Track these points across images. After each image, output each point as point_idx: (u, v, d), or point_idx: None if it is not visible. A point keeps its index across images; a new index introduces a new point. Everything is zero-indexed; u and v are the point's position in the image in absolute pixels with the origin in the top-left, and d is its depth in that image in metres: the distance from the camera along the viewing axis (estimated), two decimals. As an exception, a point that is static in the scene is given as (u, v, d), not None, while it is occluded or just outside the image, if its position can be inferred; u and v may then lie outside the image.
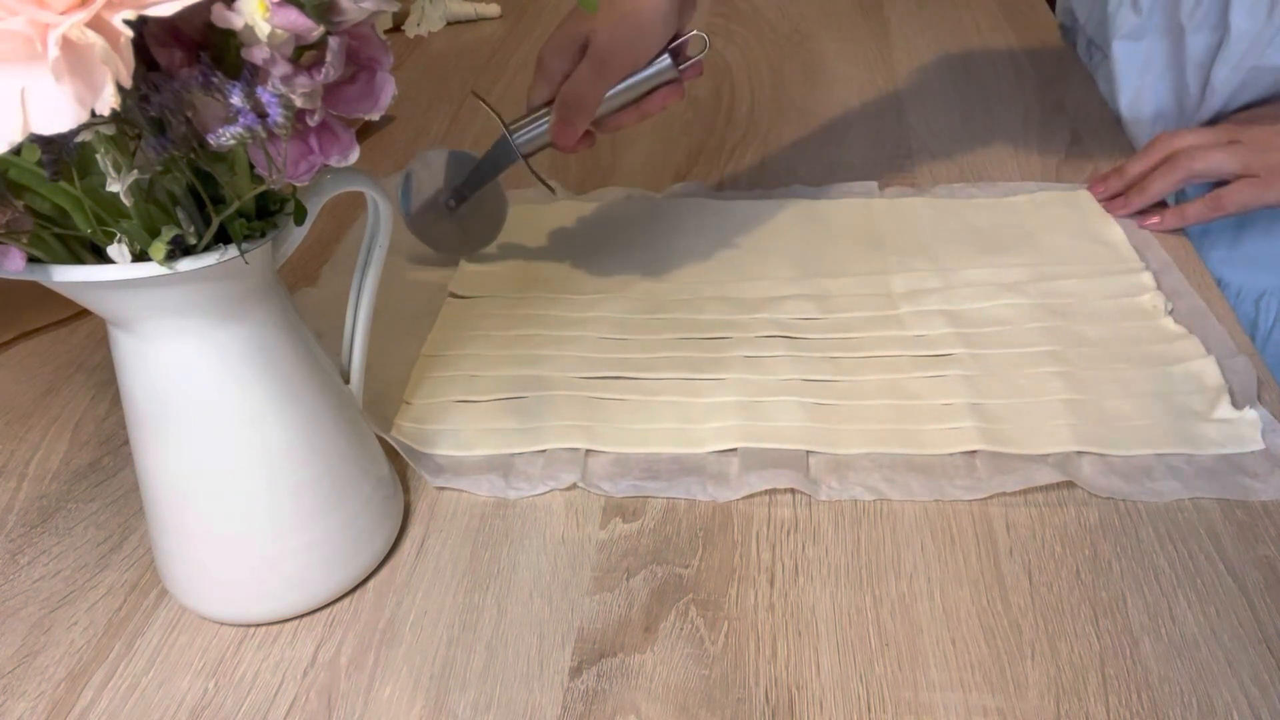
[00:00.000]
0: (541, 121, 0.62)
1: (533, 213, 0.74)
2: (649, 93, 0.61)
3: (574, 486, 0.51)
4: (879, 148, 0.82)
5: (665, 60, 0.60)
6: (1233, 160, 0.63)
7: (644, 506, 0.50)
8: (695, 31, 0.61)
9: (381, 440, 0.51)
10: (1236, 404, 0.52)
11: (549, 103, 0.61)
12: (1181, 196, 0.69)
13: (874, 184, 0.75)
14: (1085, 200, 0.70)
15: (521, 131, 0.63)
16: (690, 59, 0.61)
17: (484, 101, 0.66)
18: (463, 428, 0.54)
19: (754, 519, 0.49)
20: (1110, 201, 0.69)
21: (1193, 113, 0.73)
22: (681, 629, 0.44)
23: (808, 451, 0.52)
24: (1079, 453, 0.50)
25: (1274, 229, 0.71)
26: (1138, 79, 0.76)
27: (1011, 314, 0.60)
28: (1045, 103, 0.86)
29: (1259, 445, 0.50)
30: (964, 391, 0.54)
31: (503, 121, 0.64)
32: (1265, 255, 0.71)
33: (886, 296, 0.62)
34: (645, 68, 0.60)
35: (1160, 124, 0.76)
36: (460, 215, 0.67)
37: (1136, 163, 0.68)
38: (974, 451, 0.51)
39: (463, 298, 0.65)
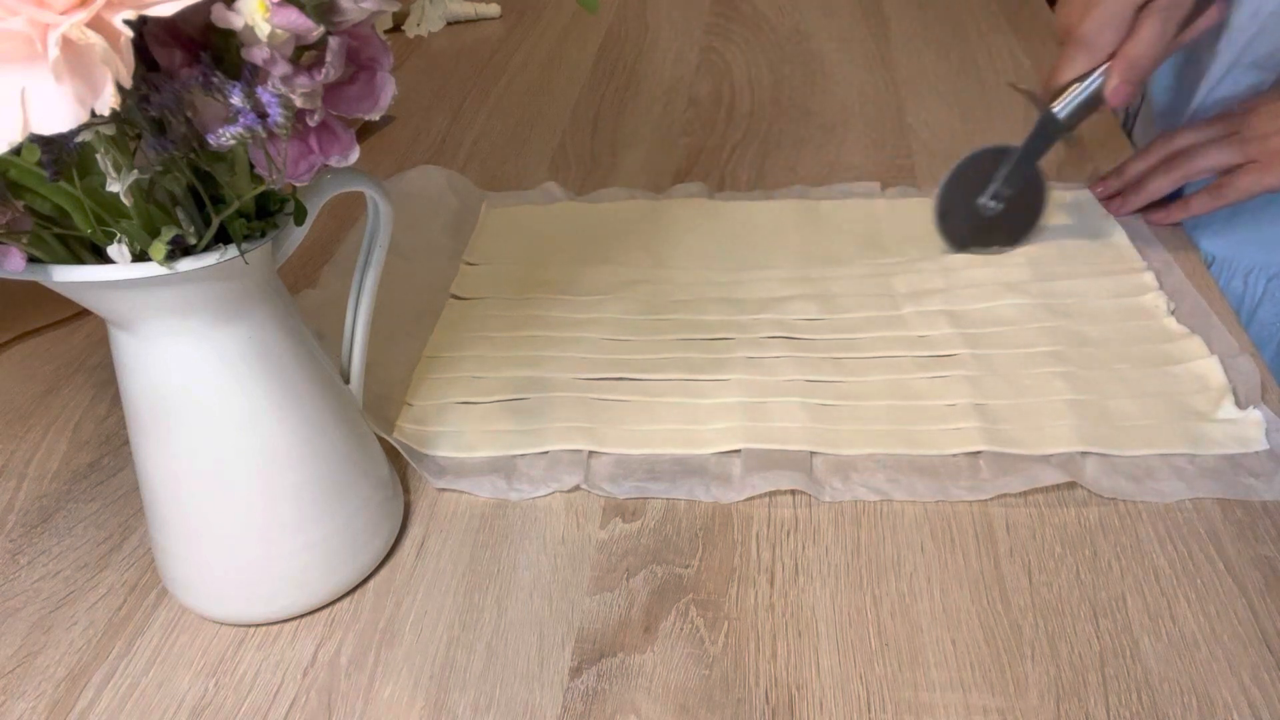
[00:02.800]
0: (1075, 93, 0.61)
1: (533, 213, 0.74)
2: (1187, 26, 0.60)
3: (577, 488, 0.51)
4: (879, 148, 0.82)
5: None
6: (1233, 152, 0.64)
7: (644, 506, 0.50)
8: None
9: (382, 440, 0.51)
10: (1240, 404, 0.52)
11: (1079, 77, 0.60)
12: (1180, 191, 0.69)
13: (875, 184, 0.75)
14: (1087, 200, 0.70)
15: (1060, 106, 0.62)
16: None
17: (1021, 90, 0.64)
18: (464, 429, 0.54)
19: (754, 519, 0.49)
20: (1109, 201, 0.69)
21: (1185, 108, 0.72)
22: (681, 629, 0.44)
23: (811, 452, 0.52)
24: (1082, 453, 0.50)
25: (1266, 206, 0.71)
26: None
27: (1014, 314, 0.60)
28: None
29: (1263, 445, 0.50)
30: (967, 392, 0.54)
31: (1039, 105, 0.62)
32: (1256, 232, 0.72)
33: (889, 297, 0.62)
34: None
35: (1154, 118, 0.76)
36: (1002, 210, 0.65)
37: (1136, 163, 0.68)
38: (978, 452, 0.51)
39: (464, 299, 0.65)
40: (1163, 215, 0.67)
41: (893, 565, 0.46)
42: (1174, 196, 0.68)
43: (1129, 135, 0.82)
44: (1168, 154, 0.66)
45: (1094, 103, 0.61)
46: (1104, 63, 0.60)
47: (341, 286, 0.49)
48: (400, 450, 0.52)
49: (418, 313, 0.63)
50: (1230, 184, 0.64)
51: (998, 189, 0.65)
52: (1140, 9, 0.58)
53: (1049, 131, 0.63)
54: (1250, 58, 0.67)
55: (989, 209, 0.65)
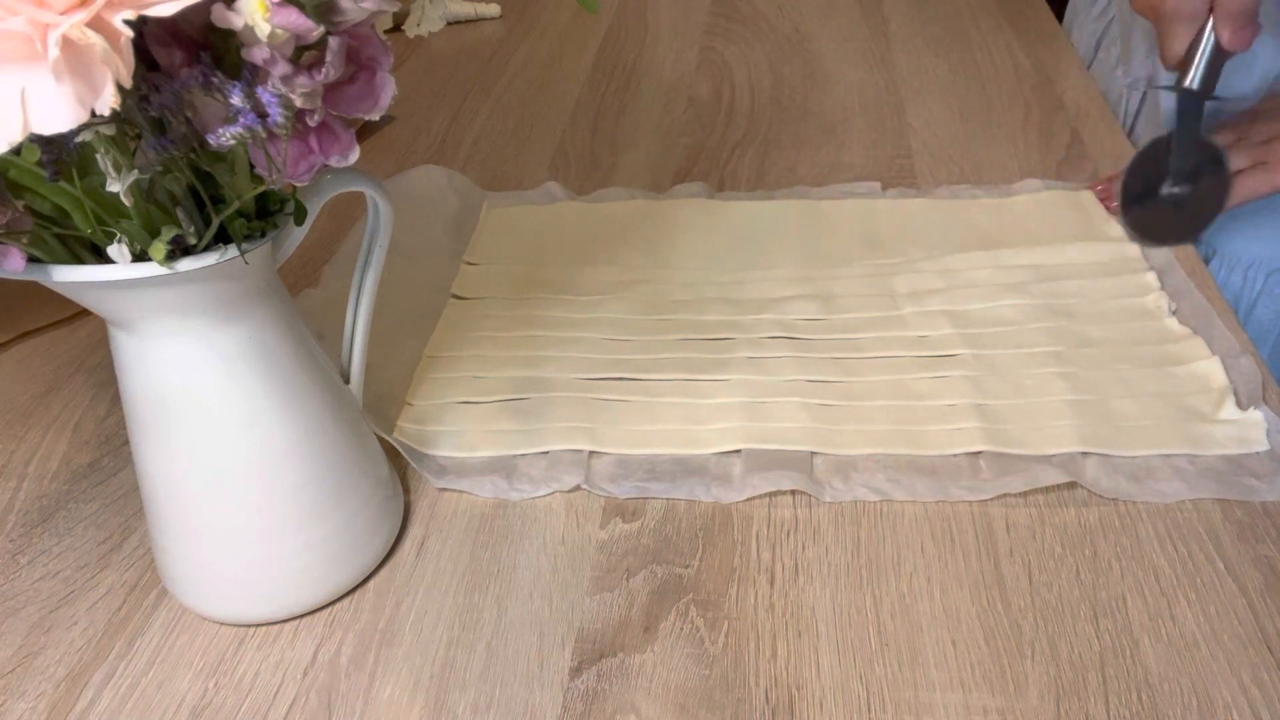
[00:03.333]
0: (1196, 60, 0.60)
1: (534, 213, 0.74)
2: None
3: (577, 488, 0.51)
4: (879, 148, 0.82)
5: None
6: (1238, 156, 0.63)
7: (644, 506, 0.50)
8: None
9: (382, 440, 0.51)
10: (1241, 405, 0.52)
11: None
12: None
13: (876, 184, 0.75)
14: (1088, 200, 0.70)
15: (1190, 77, 0.60)
16: None
17: (1156, 89, 0.63)
18: (465, 429, 0.54)
19: (754, 519, 0.49)
20: (1112, 202, 0.69)
21: None
22: (681, 629, 0.44)
23: (811, 453, 0.52)
24: (1083, 453, 0.50)
25: (1266, 201, 0.71)
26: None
27: (1015, 314, 0.60)
28: (1045, 103, 0.86)
29: (1264, 446, 0.50)
30: (968, 392, 0.54)
31: (1172, 88, 0.61)
32: (1255, 227, 0.71)
33: (889, 297, 0.62)
34: None
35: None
36: (1187, 193, 0.63)
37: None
38: (978, 452, 0.51)
39: (464, 299, 0.65)
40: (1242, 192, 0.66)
41: (893, 565, 0.46)
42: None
43: (1129, 135, 0.82)
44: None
45: (1219, 60, 0.60)
46: (1206, 21, 0.58)
47: (342, 286, 0.49)
48: (400, 450, 0.52)
49: (418, 312, 0.63)
50: (1237, 186, 0.64)
51: (1175, 174, 0.62)
52: None
53: (1192, 105, 0.61)
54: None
55: (1175, 195, 0.63)
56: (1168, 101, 0.76)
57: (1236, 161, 0.64)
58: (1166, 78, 0.61)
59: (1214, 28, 0.58)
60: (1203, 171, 0.62)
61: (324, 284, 0.66)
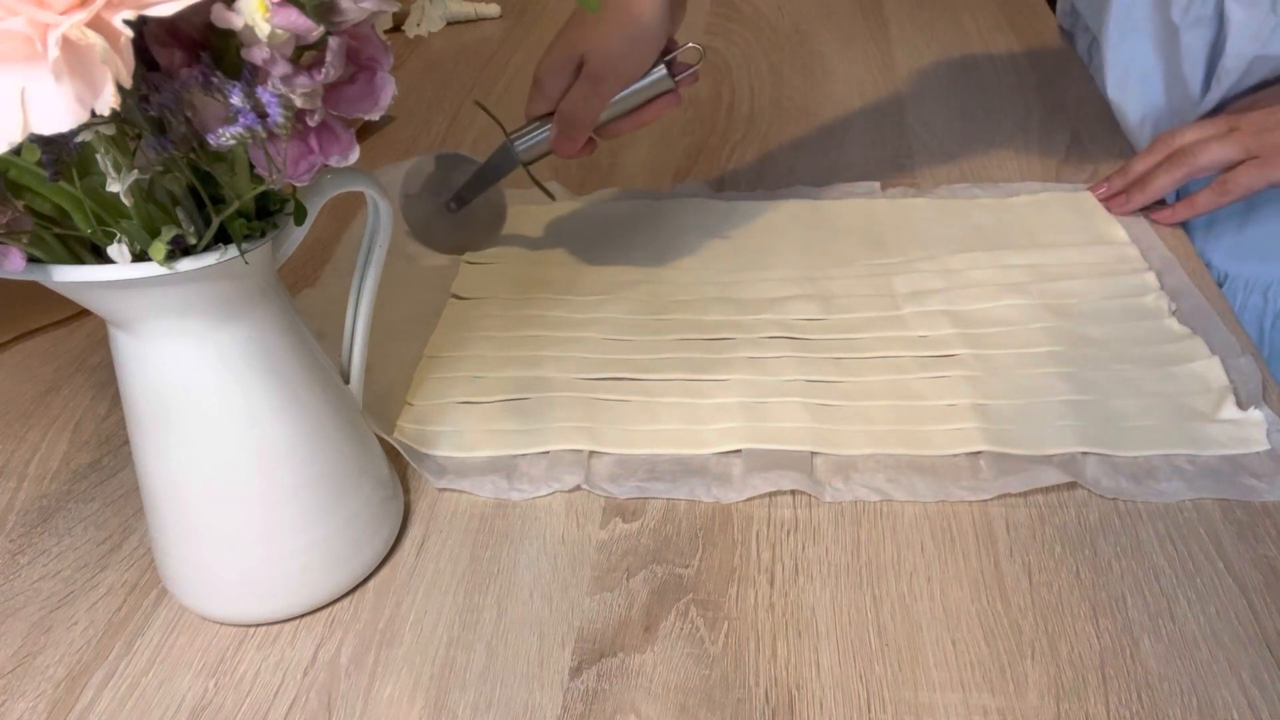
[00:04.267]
0: (542, 130, 0.63)
1: (534, 214, 0.74)
2: (647, 102, 0.62)
3: (578, 488, 0.51)
4: (879, 148, 0.82)
5: (660, 71, 0.61)
6: (1234, 148, 0.64)
7: (644, 506, 0.50)
8: (691, 44, 0.62)
9: (381, 440, 0.51)
10: (1241, 404, 0.52)
11: (549, 113, 0.62)
12: (1184, 190, 0.69)
13: (875, 184, 0.75)
14: (1087, 200, 0.70)
15: (523, 139, 0.64)
16: (687, 68, 0.61)
17: (485, 110, 0.66)
18: (465, 429, 0.54)
19: (754, 519, 0.49)
20: (1112, 199, 0.69)
21: (1193, 107, 0.72)
22: (681, 629, 0.44)
23: (812, 453, 0.52)
24: (1083, 453, 0.50)
25: (1279, 217, 0.71)
26: (1124, 77, 0.76)
27: (1015, 314, 0.60)
28: (1045, 103, 0.86)
29: (1264, 446, 0.50)
30: (968, 392, 0.54)
31: (504, 130, 0.64)
32: (1272, 245, 0.71)
33: (889, 297, 0.62)
34: (641, 78, 0.60)
35: (1150, 121, 0.76)
36: (460, 216, 0.68)
37: (1139, 162, 0.68)
38: (978, 452, 0.51)
39: (464, 299, 0.65)
40: (1167, 214, 0.67)
41: (893, 565, 0.46)
42: (1178, 196, 0.68)
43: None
44: (1169, 152, 0.66)
45: (547, 145, 0.63)
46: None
47: (341, 287, 0.49)
48: (401, 450, 0.52)
49: (418, 313, 0.63)
50: (1233, 180, 0.64)
51: (460, 194, 0.67)
52: (580, 64, 0.59)
53: (508, 159, 0.65)
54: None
55: (449, 210, 0.68)
56: (1145, 99, 0.76)
57: (1229, 152, 0.64)
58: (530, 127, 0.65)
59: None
60: (481, 208, 0.68)
61: (324, 284, 0.66)
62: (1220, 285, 0.71)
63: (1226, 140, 0.64)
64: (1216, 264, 0.72)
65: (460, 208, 0.67)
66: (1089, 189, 0.71)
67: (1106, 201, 0.69)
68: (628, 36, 0.58)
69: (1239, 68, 0.68)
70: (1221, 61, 0.69)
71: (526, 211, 0.74)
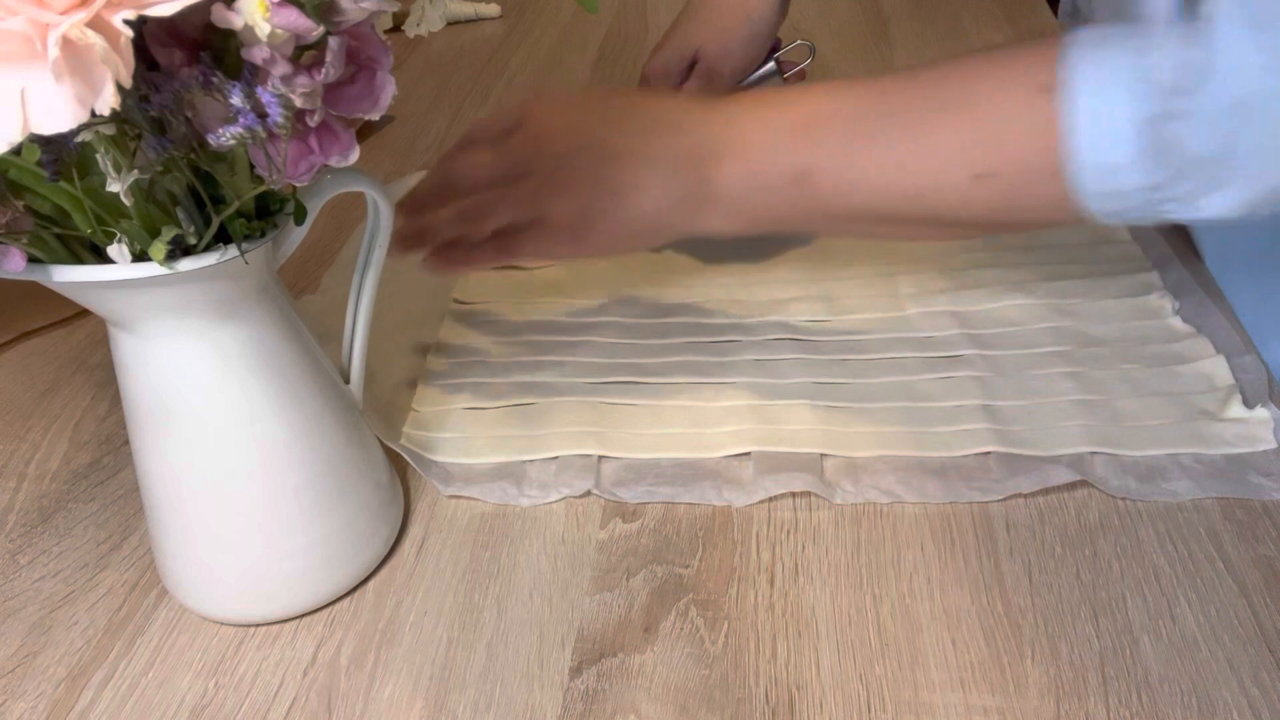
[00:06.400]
0: None
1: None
2: None
3: (588, 494, 0.50)
4: (879, 148, 0.81)
5: (770, 66, 0.60)
6: (517, 210, 0.50)
7: (644, 506, 0.50)
8: (799, 40, 0.62)
9: (383, 442, 0.51)
10: (1247, 403, 0.52)
11: None
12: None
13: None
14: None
15: None
16: (795, 65, 0.61)
17: None
18: (472, 435, 0.54)
19: (754, 519, 0.49)
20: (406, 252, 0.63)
21: None
22: (681, 629, 0.44)
23: (821, 455, 0.51)
24: (1092, 453, 0.50)
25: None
26: None
27: (1019, 314, 0.60)
28: (1045, 103, 0.86)
29: (1271, 444, 0.50)
30: (975, 392, 0.54)
31: None
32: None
33: (893, 297, 0.62)
34: (751, 74, 0.60)
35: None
36: None
37: (429, 211, 0.60)
38: (987, 452, 0.51)
39: (467, 304, 0.65)
40: (442, 261, 0.53)
41: (893, 565, 0.46)
42: None
43: None
44: (457, 206, 0.52)
45: None
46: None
47: (342, 292, 0.49)
48: (407, 458, 0.52)
49: (420, 318, 0.63)
50: (516, 243, 0.50)
51: None
52: (693, 65, 0.59)
53: None
54: None
55: None
56: None
57: (514, 214, 0.50)
58: None
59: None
60: None
61: (324, 289, 0.66)
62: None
63: (512, 198, 0.50)
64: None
65: None
66: None
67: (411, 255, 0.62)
68: (744, 33, 0.58)
69: None
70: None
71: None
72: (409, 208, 0.53)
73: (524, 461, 0.52)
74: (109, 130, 0.31)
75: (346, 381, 0.48)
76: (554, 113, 0.51)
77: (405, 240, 0.53)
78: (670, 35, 0.61)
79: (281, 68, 0.31)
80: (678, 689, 0.41)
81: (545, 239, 0.49)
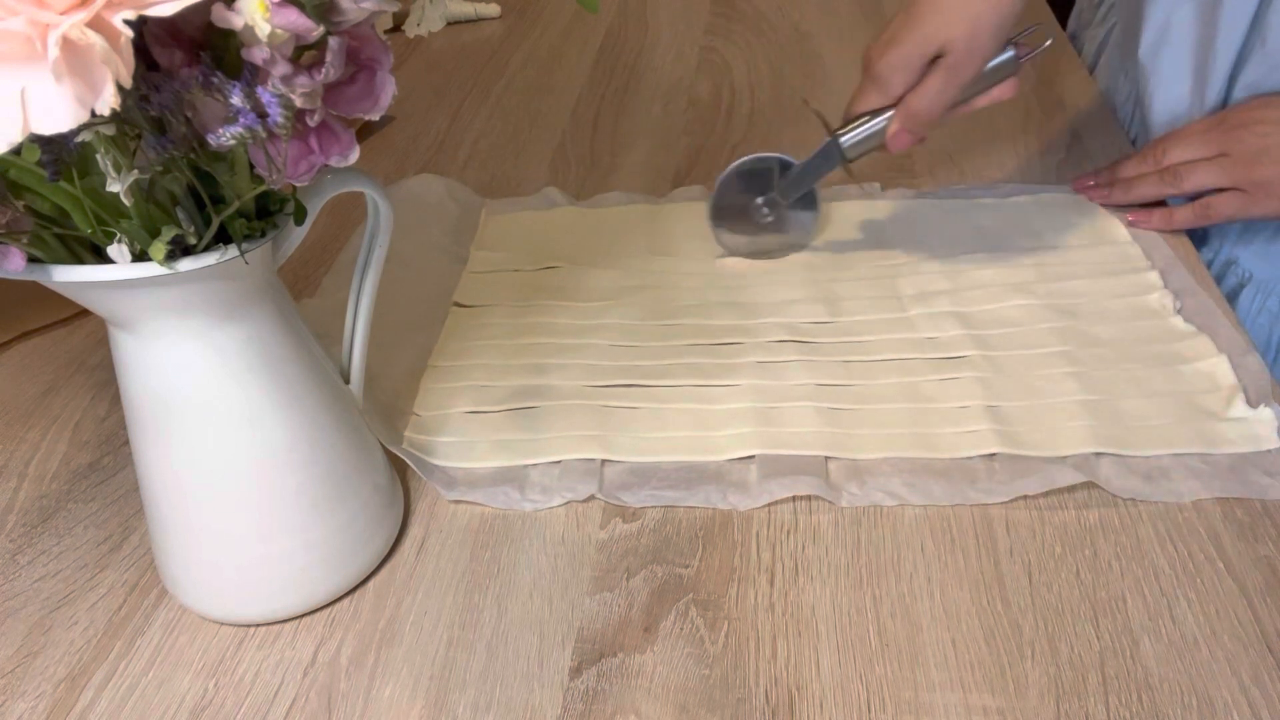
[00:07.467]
0: (866, 125, 0.61)
1: (535, 219, 0.74)
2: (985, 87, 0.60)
3: (592, 498, 0.50)
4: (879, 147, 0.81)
5: (1009, 53, 0.58)
6: (1219, 176, 0.63)
7: (644, 507, 0.50)
8: (1037, 25, 0.60)
9: (384, 445, 0.51)
10: (1250, 402, 0.52)
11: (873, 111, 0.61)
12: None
13: (876, 185, 0.75)
14: (1088, 200, 0.70)
15: (849, 136, 0.62)
16: (1031, 50, 0.59)
17: (814, 110, 0.65)
18: (474, 439, 0.54)
19: (754, 519, 0.49)
20: (1092, 190, 0.69)
21: (1217, 92, 0.71)
22: (681, 629, 0.44)
23: (826, 457, 0.51)
24: (1097, 454, 0.50)
25: None
26: (1159, 39, 0.75)
27: (1022, 315, 0.60)
28: (1045, 102, 0.86)
29: (1275, 444, 0.50)
30: (979, 393, 0.54)
31: (828, 128, 0.63)
32: None
33: (895, 299, 0.62)
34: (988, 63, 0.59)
35: (1168, 108, 0.75)
36: (774, 219, 0.67)
37: (1129, 166, 0.68)
38: (992, 454, 0.51)
39: (467, 306, 0.65)
40: (1144, 219, 0.67)
41: (893, 565, 0.46)
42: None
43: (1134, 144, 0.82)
44: (1159, 166, 0.66)
45: (877, 140, 0.62)
46: (894, 105, 0.60)
47: (342, 296, 0.49)
48: (409, 463, 0.52)
49: (421, 321, 0.63)
50: (1215, 206, 0.64)
51: (772, 198, 0.66)
52: (933, 60, 0.58)
53: (831, 157, 0.64)
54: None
55: (762, 216, 0.67)
56: (1162, 111, 0.75)
57: (1215, 179, 0.64)
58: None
59: (889, 116, 0.60)
60: (797, 209, 0.67)
61: (324, 293, 0.66)
62: (1242, 286, 0.70)
63: (1214, 166, 0.64)
64: (1244, 263, 0.71)
65: (774, 210, 0.66)
66: (1075, 181, 0.71)
67: (1086, 191, 0.69)
68: (995, 21, 0.56)
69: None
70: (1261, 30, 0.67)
71: (527, 216, 0.74)
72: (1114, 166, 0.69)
73: (526, 466, 0.52)
74: (109, 130, 0.31)
75: (347, 382, 0.48)
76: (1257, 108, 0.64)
77: (1096, 190, 0.70)
78: (906, 29, 0.58)
79: (281, 68, 0.31)
80: (678, 689, 0.41)
81: (1243, 202, 0.63)
